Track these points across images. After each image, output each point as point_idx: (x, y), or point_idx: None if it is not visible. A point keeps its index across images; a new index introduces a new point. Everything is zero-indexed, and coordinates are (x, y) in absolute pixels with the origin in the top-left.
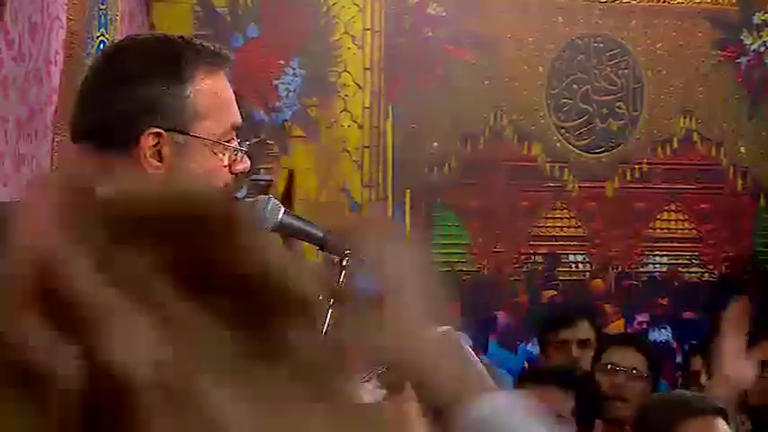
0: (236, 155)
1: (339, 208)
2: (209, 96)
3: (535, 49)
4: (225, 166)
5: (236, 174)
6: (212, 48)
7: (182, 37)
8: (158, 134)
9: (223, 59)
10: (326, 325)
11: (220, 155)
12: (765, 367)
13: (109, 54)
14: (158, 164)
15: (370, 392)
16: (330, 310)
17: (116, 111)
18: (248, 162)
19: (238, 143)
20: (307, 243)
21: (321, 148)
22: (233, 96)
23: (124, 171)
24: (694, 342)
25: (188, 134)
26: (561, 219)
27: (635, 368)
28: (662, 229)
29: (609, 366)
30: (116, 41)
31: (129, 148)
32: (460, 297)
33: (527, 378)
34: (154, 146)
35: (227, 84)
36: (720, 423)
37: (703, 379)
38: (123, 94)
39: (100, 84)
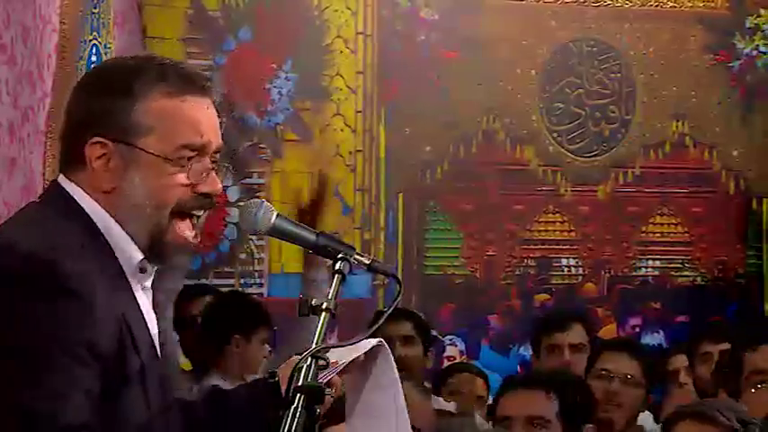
0: (191, 173)
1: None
2: (159, 114)
3: (528, 53)
4: (185, 185)
5: (202, 194)
6: (185, 73)
7: (161, 59)
8: (104, 144)
9: (193, 87)
10: (319, 332)
11: (173, 173)
12: (764, 375)
13: (89, 71)
14: (106, 174)
15: None
16: (324, 316)
17: (69, 120)
18: (217, 185)
19: (216, 166)
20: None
21: (314, 152)
22: (200, 119)
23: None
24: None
25: (134, 146)
26: (554, 222)
27: (629, 374)
28: (654, 232)
29: (603, 372)
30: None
31: (81, 158)
32: (453, 301)
33: (512, 382)
34: (100, 156)
35: (196, 108)
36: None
37: (682, 376)
38: (76, 104)
39: (70, 96)
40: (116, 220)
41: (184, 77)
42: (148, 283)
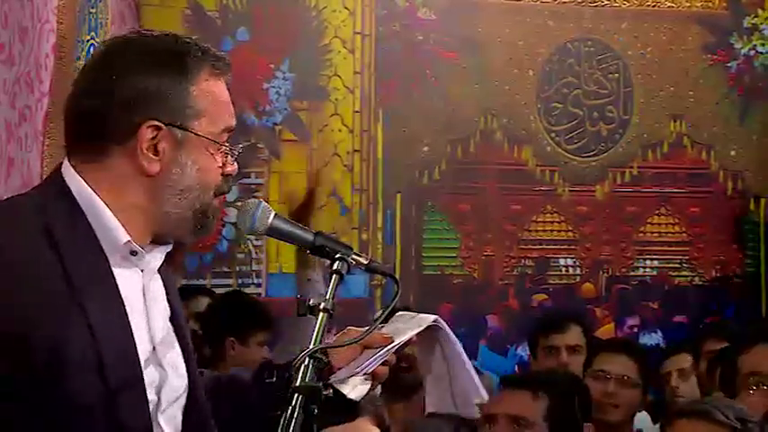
0: (227, 156)
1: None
2: (209, 96)
3: (526, 53)
4: (218, 167)
5: (226, 175)
6: (217, 52)
7: (188, 37)
8: (158, 127)
9: (226, 65)
10: (317, 332)
11: (215, 154)
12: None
13: (114, 45)
14: (154, 157)
15: (355, 387)
16: (322, 316)
17: (117, 99)
18: (236, 165)
19: (231, 146)
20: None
21: (312, 152)
22: (230, 101)
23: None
24: (666, 346)
25: (188, 130)
26: (551, 222)
27: (626, 375)
28: (652, 232)
29: (600, 373)
30: (122, 34)
31: (126, 138)
32: (451, 301)
33: (502, 382)
34: (151, 138)
35: (225, 90)
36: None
37: (674, 379)
38: (126, 83)
39: (104, 72)
40: (152, 203)
41: (217, 57)
42: (151, 265)
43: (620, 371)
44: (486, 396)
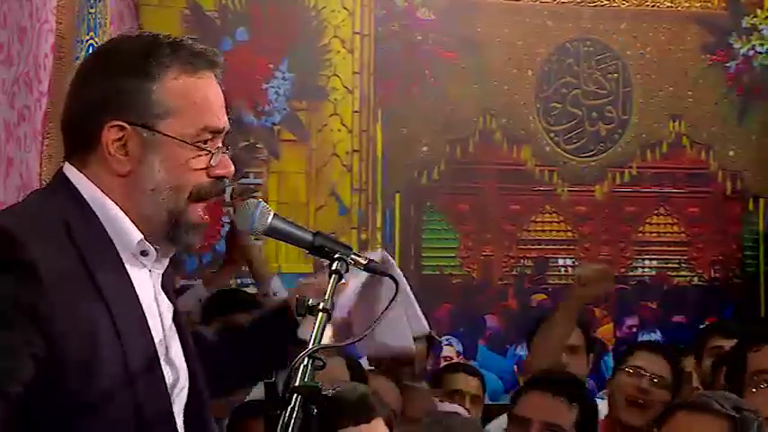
0: (214, 158)
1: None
2: (178, 95)
3: (525, 53)
4: (200, 169)
5: (217, 177)
6: (196, 49)
7: (168, 36)
8: (122, 128)
9: (206, 62)
10: (317, 332)
11: (190, 155)
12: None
13: (94, 51)
14: (123, 157)
15: None
16: (321, 316)
17: (80, 104)
18: (231, 167)
19: (226, 148)
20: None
21: (311, 152)
22: (215, 99)
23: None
24: (683, 345)
25: (153, 130)
26: (550, 222)
27: (662, 375)
28: (651, 232)
29: (634, 369)
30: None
31: (97, 143)
32: (450, 301)
33: (537, 383)
34: (118, 139)
35: (211, 86)
36: (705, 421)
37: (695, 380)
38: (88, 87)
39: (77, 79)
40: (130, 204)
41: (196, 53)
42: (158, 268)
43: (656, 370)
44: (426, 329)
